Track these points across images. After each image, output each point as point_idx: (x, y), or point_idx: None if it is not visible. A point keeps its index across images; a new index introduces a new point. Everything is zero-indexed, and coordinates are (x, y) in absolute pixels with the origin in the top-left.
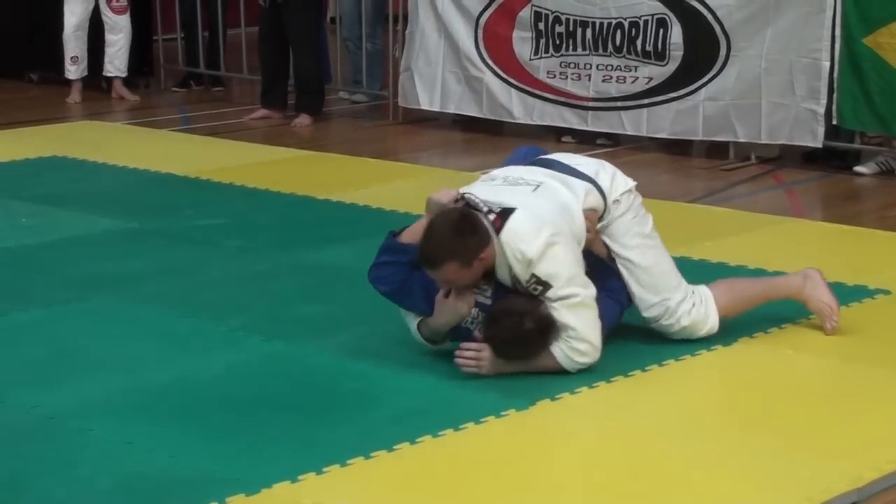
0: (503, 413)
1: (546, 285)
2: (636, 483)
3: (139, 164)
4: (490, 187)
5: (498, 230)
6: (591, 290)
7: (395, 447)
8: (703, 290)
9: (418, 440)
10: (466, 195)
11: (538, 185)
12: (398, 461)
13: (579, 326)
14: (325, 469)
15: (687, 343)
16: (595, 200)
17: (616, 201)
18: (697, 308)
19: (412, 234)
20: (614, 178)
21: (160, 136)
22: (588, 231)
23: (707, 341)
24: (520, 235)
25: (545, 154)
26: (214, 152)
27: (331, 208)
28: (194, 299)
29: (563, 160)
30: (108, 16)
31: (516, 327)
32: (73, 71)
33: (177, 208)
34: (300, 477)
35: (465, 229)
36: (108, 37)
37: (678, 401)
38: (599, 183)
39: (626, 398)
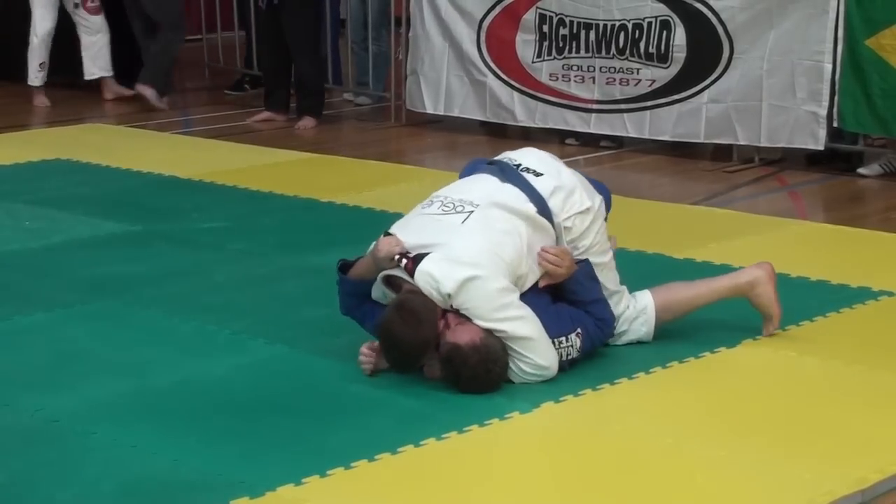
0: (507, 415)
1: (468, 317)
2: (639, 486)
3: (143, 166)
4: (421, 221)
5: (411, 273)
6: (518, 323)
7: (399, 450)
8: (643, 300)
9: (422, 443)
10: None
11: (471, 214)
12: (402, 464)
13: (520, 348)
14: (329, 472)
15: (691, 346)
16: (545, 224)
17: (567, 227)
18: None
19: (359, 271)
20: (569, 197)
21: (164, 138)
22: (556, 265)
23: (711, 343)
24: (432, 276)
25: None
26: (218, 155)
27: (335, 211)
28: (198, 302)
29: (525, 163)
30: (84, 17)
31: (459, 371)
32: (41, 77)
33: (180, 211)
34: (304, 480)
35: (416, 332)
36: (86, 39)
37: (682, 403)
38: (550, 204)
39: (629, 401)
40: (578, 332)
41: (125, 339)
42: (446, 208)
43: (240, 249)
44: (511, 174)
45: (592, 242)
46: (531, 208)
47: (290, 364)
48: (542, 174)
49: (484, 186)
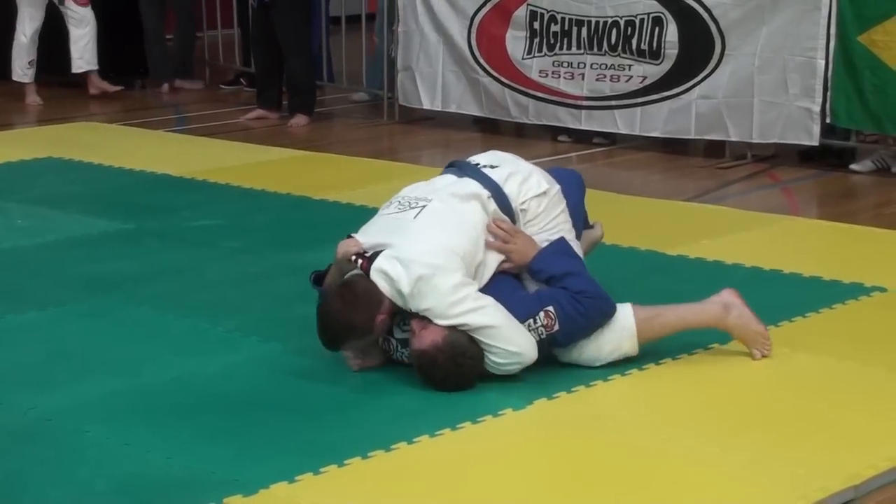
0: (500, 412)
1: (427, 318)
2: (633, 482)
3: (135, 164)
4: (380, 222)
5: (366, 272)
6: (476, 314)
7: (392, 447)
8: (623, 311)
9: (415, 440)
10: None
11: (422, 208)
12: (395, 461)
13: (486, 339)
14: (322, 469)
15: (683, 343)
16: (494, 209)
17: (523, 209)
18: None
19: (330, 280)
20: (525, 182)
21: (156, 136)
22: (504, 240)
23: (704, 340)
24: (387, 273)
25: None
26: (211, 153)
27: (327, 208)
28: (191, 300)
29: (480, 161)
30: (72, 10)
31: (432, 374)
32: (30, 74)
33: (173, 209)
34: (297, 477)
35: (349, 312)
36: (74, 32)
37: (674, 399)
38: (505, 189)
39: (622, 397)
40: (548, 311)
41: (118, 338)
42: (402, 206)
43: (233, 247)
44: (468, 169)
45: (547, 226)
46: (485, 193)
47: (283, 362)
48: (497, 166)
49: (440, 182)
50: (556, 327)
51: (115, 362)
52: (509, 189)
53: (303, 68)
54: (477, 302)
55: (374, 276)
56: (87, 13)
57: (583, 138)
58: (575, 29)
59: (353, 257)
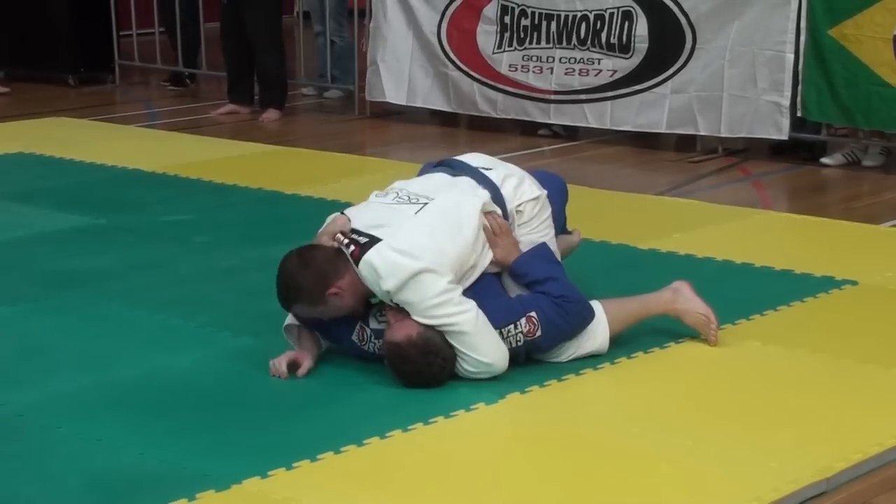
0: (472, 407)
1: (406, 311)
2: (605, 475)
3: (106, 160)
4: (376, 208)
5: (356, 260)
6: (454, 319)
7: (364, 442)
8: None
9: (388, 434)
10: (345, 232)
11: (424, 206)
12: (368, 456)
13: (459, 345)
14: (295, 464)
15: (655, 336)
16: (493, 209)
17: (519, 210)
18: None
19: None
20: (520, 186)
21: (127, 132)
22: (495, 233)
23: (675, 333)
24: (376, 269)
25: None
26: (182, 148)
27: (299, 203)
28: (162, 295)
29: (471, 162)
30: None
31: (400, 367)
32: None
33: (144, 204)
34: (270, 472)
35: (302, 274)
36: None
37: (647, 393)
38: (502, 191)
39: (595, 391)
40: (530, 317)
41: (90, 333)
42: (401, 199)
43: (204, 242)
44: (462, 168)
45: (536, 229)
46: (485, 194)
47: (255, 357)
48: (491, 168)
49: (438, 180)
50: (539, 333)
51: (87, 358)
52: (506, 191)
53: (273, 62)
54: (458, 307)
55: (363, 266)
56: None
57: (560, 132)
58: (545, 23)
59: (345, 240)
